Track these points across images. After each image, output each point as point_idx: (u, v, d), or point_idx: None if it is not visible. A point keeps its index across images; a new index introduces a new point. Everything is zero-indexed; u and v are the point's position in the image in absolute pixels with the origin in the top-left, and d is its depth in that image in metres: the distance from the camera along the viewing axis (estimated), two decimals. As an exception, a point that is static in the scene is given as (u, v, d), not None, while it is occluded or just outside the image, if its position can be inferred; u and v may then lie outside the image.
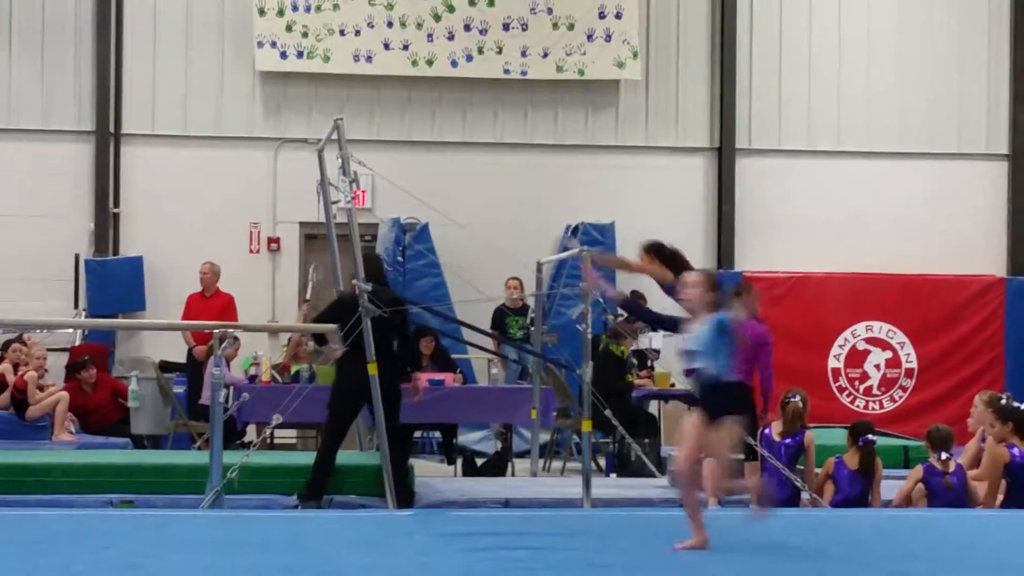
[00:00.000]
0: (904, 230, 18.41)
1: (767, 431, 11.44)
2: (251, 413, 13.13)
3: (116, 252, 17.58)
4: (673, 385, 15.22)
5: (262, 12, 17.50)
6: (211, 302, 16.23)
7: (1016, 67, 18.76)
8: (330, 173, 12.11)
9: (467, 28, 17.82)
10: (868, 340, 18.28)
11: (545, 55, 17.91)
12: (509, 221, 17.58)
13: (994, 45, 18.80)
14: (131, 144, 17.70)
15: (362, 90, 17.89)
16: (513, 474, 14.21)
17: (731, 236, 18.30)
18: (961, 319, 18.28)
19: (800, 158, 18.59)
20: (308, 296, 15.92)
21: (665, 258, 10.96)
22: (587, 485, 11.20)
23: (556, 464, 15.23)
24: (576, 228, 17.60)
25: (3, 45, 17.49)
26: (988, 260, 18.69)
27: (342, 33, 17.64)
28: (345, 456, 11.84)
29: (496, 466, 14.60)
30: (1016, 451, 10.60)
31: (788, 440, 11.34)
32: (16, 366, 15.28)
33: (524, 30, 17.88)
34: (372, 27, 17.68)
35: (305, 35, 17.58)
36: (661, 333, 14.94)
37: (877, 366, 18.27)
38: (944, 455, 10.80)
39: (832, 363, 18.21)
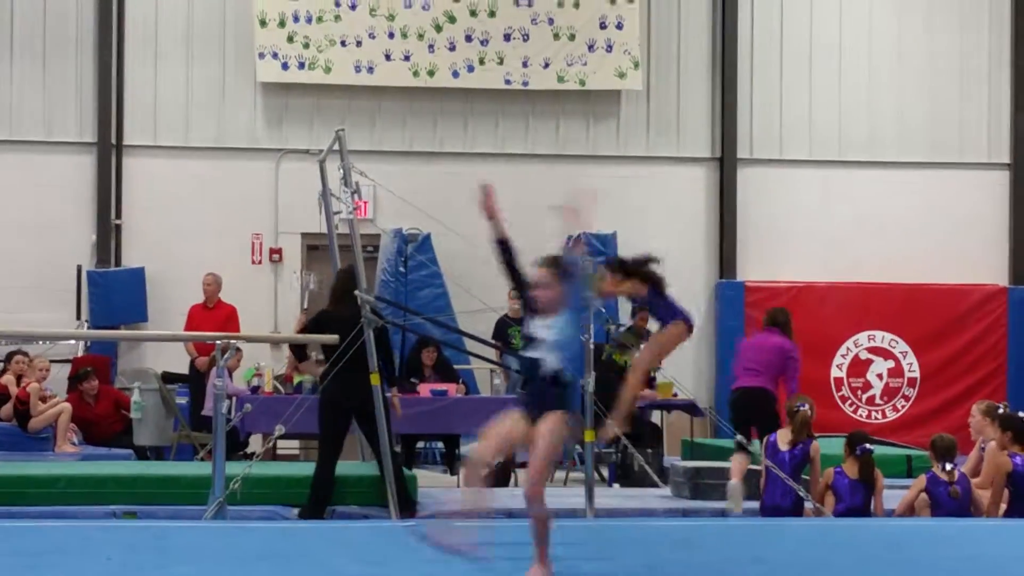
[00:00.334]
0: (906, 239, 18.40)
1: (773, 439, 11.39)
2: (254, 424, 13.13)
3: (118, 263, 17.58)
4: (676, 395, 15.20)
5: (263, 23, 17.50)
6: (213, 313, 16.22)
7: (1017, 76, 18.75)
8: (332, 184, 12.11)
9: (468, 39, 17.83)
10: (870, 349, 18.29)
11: (546, 65, 17.91)
12: (511, 231, 17.48)
13: (995, 55, 18.80)
14: (133, 155, 17.70)
15: (363, 101, 17.89)
16: (516, 484, 14.19)
17: (733, 246, 18.28)
18: (963, 328, 18.29)
19: (802, 168, 18.57)
20: (306, 305, 15.90)
21: (628, 273, 10.30)
22: (590, 495, 11.17)
23: (559, 474, 15.21)
24: (577, 238, 17.54)
25: (4, 56, 17.50)
26: (990, 269, 18.68)
27: (343, 44, 17.65)
28: (347, 466, 11.84)
29: (499, 476, 14.57)
30: (1019, 460, 10.59)
31: (795, 449, 11.28)
32: (19, 378, 15.29)
33: (525, 41, 17.88)
34: (373, 38, 17.69)
35: (306, 46, 17.59)
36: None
37: (880, 375, 18.27)
38: (948, 465, 10.74)
39: (835, 372, 18.21)
